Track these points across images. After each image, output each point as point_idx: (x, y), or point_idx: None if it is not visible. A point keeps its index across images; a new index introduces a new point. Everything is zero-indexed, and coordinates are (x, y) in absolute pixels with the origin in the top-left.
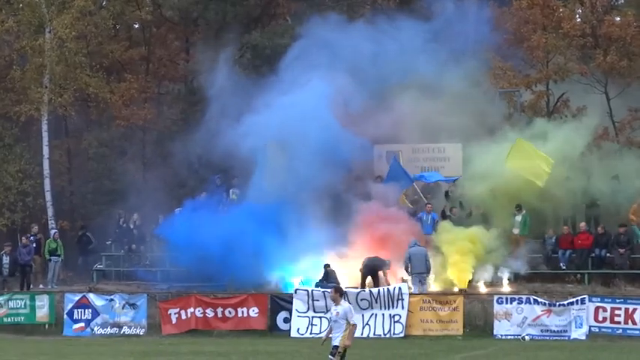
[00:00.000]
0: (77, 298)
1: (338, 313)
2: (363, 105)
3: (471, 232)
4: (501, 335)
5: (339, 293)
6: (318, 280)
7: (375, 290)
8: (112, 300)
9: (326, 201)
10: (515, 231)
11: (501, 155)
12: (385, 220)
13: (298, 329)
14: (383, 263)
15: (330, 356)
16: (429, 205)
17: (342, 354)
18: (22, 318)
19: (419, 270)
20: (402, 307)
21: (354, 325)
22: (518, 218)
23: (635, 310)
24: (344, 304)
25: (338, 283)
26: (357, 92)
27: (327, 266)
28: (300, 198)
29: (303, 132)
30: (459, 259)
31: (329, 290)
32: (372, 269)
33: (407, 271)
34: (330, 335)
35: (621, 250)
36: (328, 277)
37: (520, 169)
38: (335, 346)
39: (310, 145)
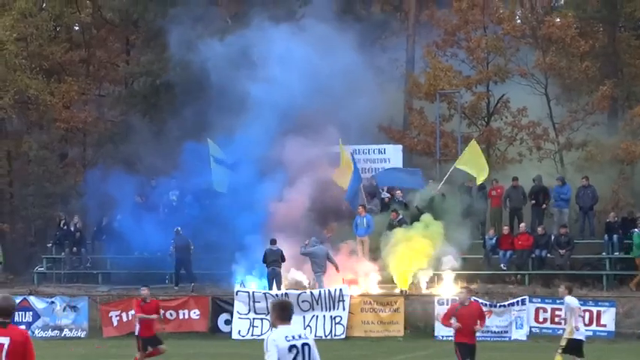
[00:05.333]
0: (18, 300)
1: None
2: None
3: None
4: (442, 336)
5: (569, 290)
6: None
7: (316, 292)
8: (52, 302)
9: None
10: None
11: None
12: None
13: (239, 331)
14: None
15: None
16: (361, 208)
17: (563, 347)
18: None
19: (320, 267)
20: (343, 309)
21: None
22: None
23: None
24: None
25: (279, 262)
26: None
27: (272, 242)
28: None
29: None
30: (402, 261)
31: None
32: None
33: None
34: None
35: (562, 251)
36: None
37: (466, 167)
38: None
39: None
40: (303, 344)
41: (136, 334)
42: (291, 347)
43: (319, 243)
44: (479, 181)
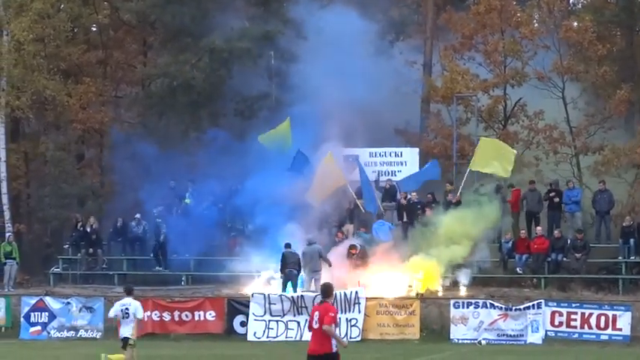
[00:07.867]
0: (34, 301)
1: None
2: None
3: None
4: (458, 339)
5: None
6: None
7: None
8: (68, 303)
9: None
10: None
11: None
12: None
13: (255, 333)
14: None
15: None
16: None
17: None
18: None
19: (313, 268)
20: (359, 311)
21: None
22: None
23: (590, 314)
24: None
25: (295, 265)
26: None
27: (287, 246)
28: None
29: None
30: (430, 263)
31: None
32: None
33: (303, 268)
34: None
35: (577, 255)
36: (285, 260)
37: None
38: None
39: None
40: None
41: None
42: None
43: (312, 243)
44: (506, 174)
